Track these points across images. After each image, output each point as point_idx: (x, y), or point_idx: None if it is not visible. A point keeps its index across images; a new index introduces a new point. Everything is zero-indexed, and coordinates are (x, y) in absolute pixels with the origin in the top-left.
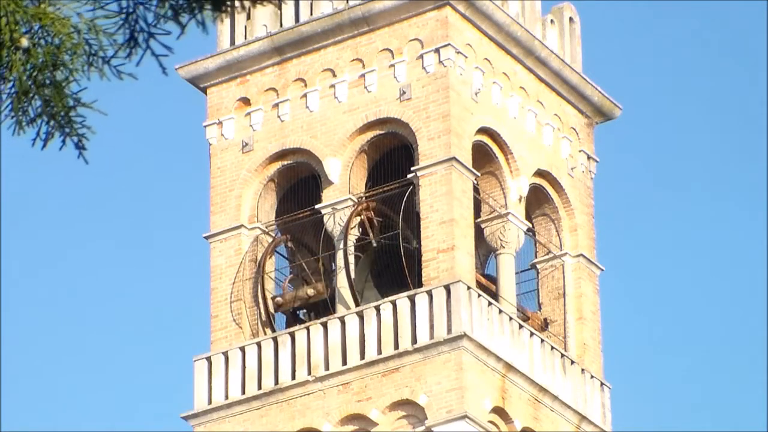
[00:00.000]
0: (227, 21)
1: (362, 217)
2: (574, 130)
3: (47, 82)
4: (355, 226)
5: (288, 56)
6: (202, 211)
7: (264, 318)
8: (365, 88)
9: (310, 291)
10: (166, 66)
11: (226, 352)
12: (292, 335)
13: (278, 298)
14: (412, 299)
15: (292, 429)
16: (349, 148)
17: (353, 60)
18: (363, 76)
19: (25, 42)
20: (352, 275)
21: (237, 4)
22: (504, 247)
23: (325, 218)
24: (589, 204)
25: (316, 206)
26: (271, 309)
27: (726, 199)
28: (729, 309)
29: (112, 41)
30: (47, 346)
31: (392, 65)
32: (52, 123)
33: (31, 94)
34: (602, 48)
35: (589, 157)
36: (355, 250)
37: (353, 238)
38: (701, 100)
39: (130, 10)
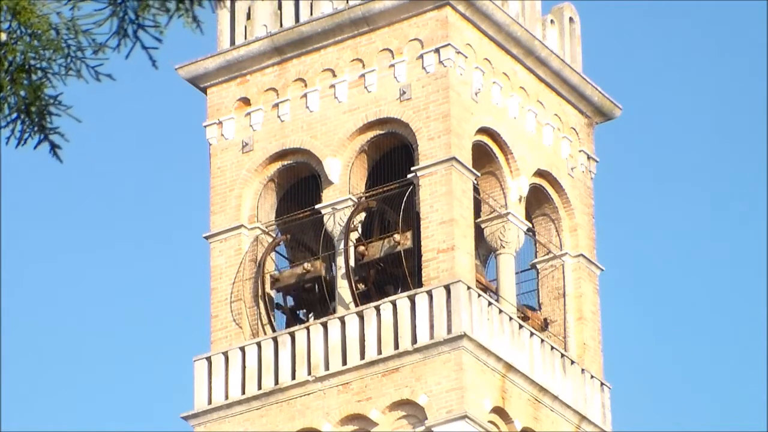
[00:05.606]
0: (227, 21)
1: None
2: (574, 130)
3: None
4: (356, 226)
5: (288, 56)
6: (202, 211)
7: (264, 318)
8: (365, 88)
9: (308, 266)
10: (156, 59)
11: (226, 352)
12: (292, 335)
13: (275, 273)
14: (412, 299)
15: (292, 429)
16: (349, 148)
17: (353, 60)
18: (363, 76)
19: (3, 36)
20: (352, 275)
21: None
22: (504, 247)
23: (325, 218)
24: (589, 204)
25: (316, 206)
26: (268, 288)
27: (726, 199)
28: (729, 309)
29: (91, 41)
30: (47, 346)
31: (392, 65)
32: (27, 122)
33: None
34: (602, 48)
35: (589, 157)
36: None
37: (353, 238)
38: (701, 100)
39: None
